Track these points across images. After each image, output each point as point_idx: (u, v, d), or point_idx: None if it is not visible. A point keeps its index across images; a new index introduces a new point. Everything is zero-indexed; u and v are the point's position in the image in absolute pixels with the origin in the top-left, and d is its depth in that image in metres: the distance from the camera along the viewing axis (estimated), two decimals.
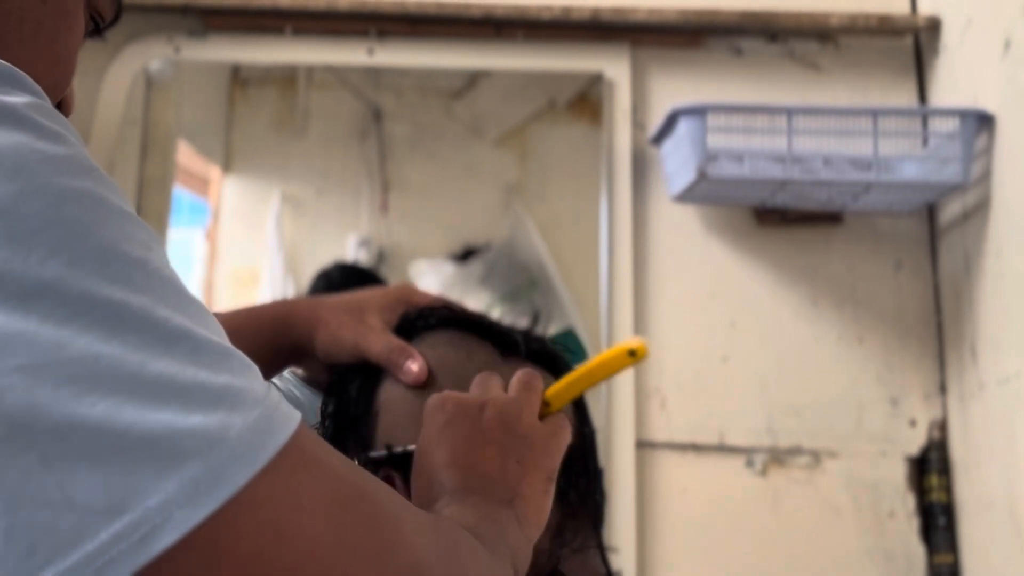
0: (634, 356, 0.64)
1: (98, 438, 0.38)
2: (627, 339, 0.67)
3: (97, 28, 0.61)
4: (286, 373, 0.80)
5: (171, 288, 0.43)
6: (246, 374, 0.43)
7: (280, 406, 0.43)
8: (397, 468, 0.66)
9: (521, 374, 0.68)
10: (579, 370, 0.68)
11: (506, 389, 0.67)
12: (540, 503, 0.63)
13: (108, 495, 0.37)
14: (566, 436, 0.66)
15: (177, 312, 0.42)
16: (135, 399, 0.38)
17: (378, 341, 0.73)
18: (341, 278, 1.81)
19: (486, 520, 0.58)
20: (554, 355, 0.75)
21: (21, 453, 0.37)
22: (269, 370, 0.78)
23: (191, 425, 0.39)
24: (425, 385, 0.70)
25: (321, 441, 0.46)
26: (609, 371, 0.66)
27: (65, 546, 0.37)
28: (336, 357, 0.76)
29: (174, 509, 0.38)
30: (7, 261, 0.38)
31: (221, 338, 0.44)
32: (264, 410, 0.42)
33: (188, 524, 0.38)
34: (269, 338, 0.77)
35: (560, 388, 0.67)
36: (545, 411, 0.67)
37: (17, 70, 0.43)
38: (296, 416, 0.44)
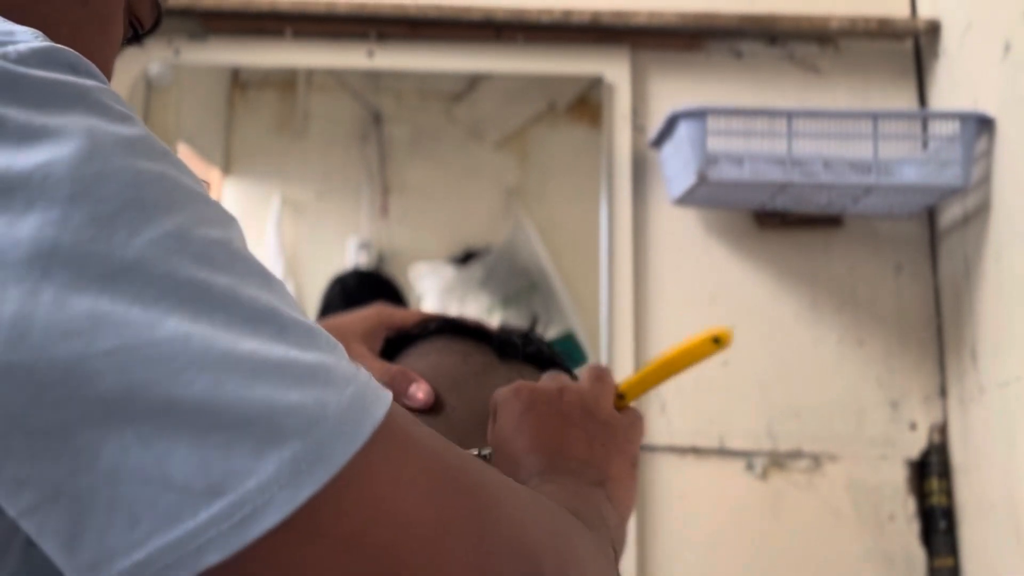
0: (718, 343, 0.62)
1: (196, 417, 0.37)
2: (711, 327, 0.64)
3: (136, 35, 0.60)
4: None
5: (253, 267, 0.43)
6: (335, 351, 0.43)
7: (371, 383, 0.43)
8: None
9: (591, 367, 0.68)
10: (657, 360, 0.67)
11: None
12: (629, 485, 0.63)
13: (208, 475, 0.37)
14: (643, 427, 0.67)
15: (262, 291, 0.41)
16: (230, 377, 0.38)
17: (373, 370, 0.72)
18: (357, 285, 1.81)
19: (581, 499, 0.57)
20: (552, 358, 0.75)
21: (117, 431, 0.37)
22: None
23: (289, 402, 0.39)
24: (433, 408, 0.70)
25: (414, 419, 0.45)
26: (692, 359, 0.65)
27: (166, 523, 0.37)
28: None
29: (275, 490, 0.37)
30: (90, 242, 0.38)
31: (303, 314, 0.44)
32: (357, 387, 0.41)
33: (290, 506, 0.38)
34: None
35: (635, 380, 0.67)
36: (619, 404, 0.66)
37: (83, 57, 0.43)
38: (388, 394, 0.43)
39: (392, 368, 0.71)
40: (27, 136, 0.39)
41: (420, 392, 0.69)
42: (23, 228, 0.37)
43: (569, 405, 0.63)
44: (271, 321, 0.41)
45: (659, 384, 0.68)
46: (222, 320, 0.39)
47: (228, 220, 0.44)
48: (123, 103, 0.43)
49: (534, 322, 0.78)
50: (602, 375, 0.67)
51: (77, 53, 0.43)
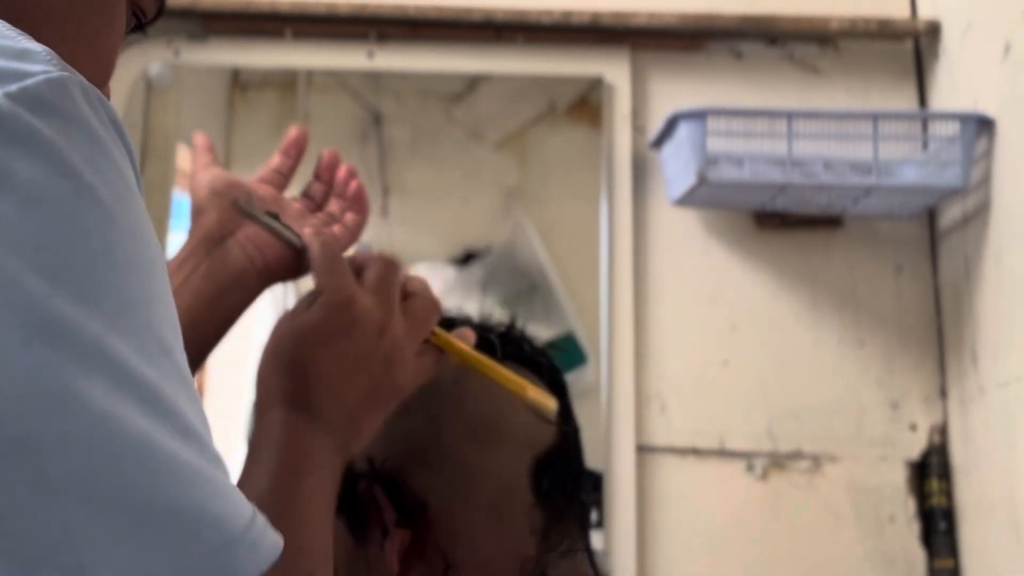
0: (532, 403, 0.64)
1: (125, 515, 0.38)
2: (542, 398, 0.65)
3: (139, 24, 0.60)
4: None
5: (187, 383, 0.43)
6: (233, 495, 0.44)
7: (265, 535, 0.43)
8: (378, 482, 0.65)
9: (425, 300, 0.64)
10: (485, 360, 0.65)
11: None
12: (366, 441, 0.60)
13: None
14: (428, 377, 0.63)
15: (189, 407, 0.42)
16: (169, 480, 0.39)
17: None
18: None
19: (312, 467, 0.56)
20: (533, 357, 0.73)
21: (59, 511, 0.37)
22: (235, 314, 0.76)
23: (217, 514, 0.40)
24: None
25: None
26: (503, 381, 0.64)
27: None
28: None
29: None
30: (73, 320, 0.38)
31: (214, 443, 0.44)
32: (260, 517, 0.43)
33: None
34: (232, 312, 0.75)
35: (453, 344, 0.64)
36: (428, 338, 0.63)
37: (83, 80, 0.42)
38: (277, 548, 0.44)
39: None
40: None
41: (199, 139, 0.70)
42: None
43: (380, 351, 0.59)
44: (196, 440, 0.41)
45: (465, 363, 0.65)
46: (167, 427, 0.40)
47: (178, 331, 0.44)
48: (102, 118, 0.43)
49: (512, 321, 0.76)
50: (429, 317, 0.64)
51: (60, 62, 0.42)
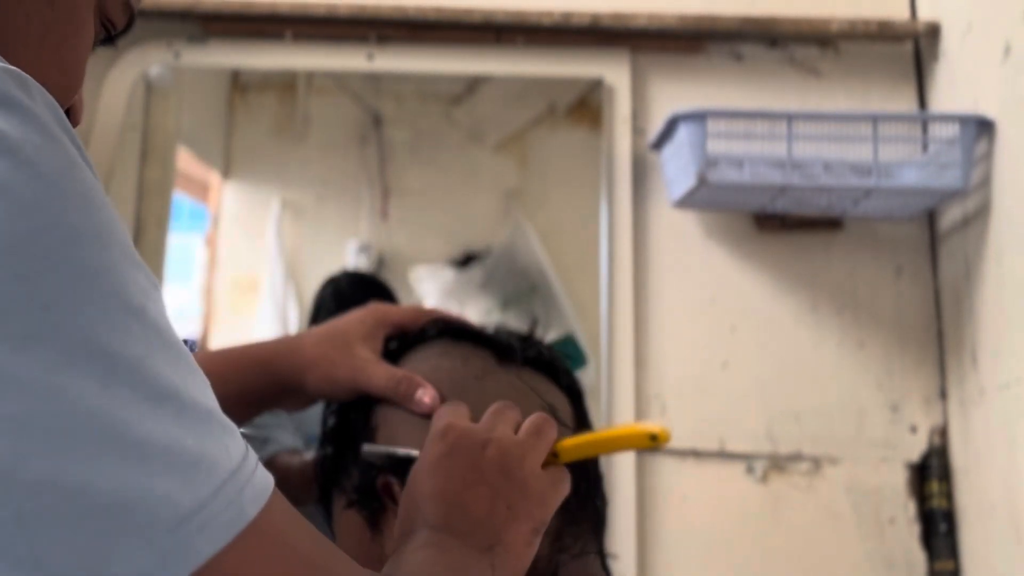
0: (655, 441, 0.63)
1: (73, 501, 0.38)
2: (651, 423, 0.65)
3: (109, 36, 0.60)
4: None
5: (165, 340, 0.43)
6: (224, 438, 0.43)
7: (254, 477, 0.43)
8: (396, 474, 0.65)
9: (536, 418, 0.66)
10: (598, 434, 0.66)
11: (520, 420, 0.66)
12: (522, 552, 0.61)
13: (79, 564, 0.38)
14: (565, 489, 0.64)
15: (168, 366, 0.42)
16: (115, 461, 0.38)
17: (378, 374, 0.72)
18: (349, 286, 1.80)
19: (457, 569, 0.57)
20: (551, 362, 0.74)
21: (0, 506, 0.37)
22: (253, 412, 0.78)
23: (164, 494, 0.39)
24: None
25: (292, 514, 0.47)
26: (627, 445, 0.65)
27: None
28: (333, 395, 0.75)
29: None
30: (13, 300, 0.38)
31: (205, 394, 0.44)
32: (236, 482, 0.42)
33: None
34: (252, 383, 0.76)
35: (572, 444, 0.65)
36: (551, 461, 0.65)
37: (25, 76, 0.43)
38: (268, 486, 0.44)
39: (398, 373, 0.71)
40: None
41: (426, 397, 0.69)
42: None
43: (489, 460, 0.62)
44: (171, 402, 0.41)
45: (594, 455, 0.67)
46: (125, 397, 0.39)
47: (149, 285, 0.44)
48: (63, 134, 0.42)
49: (534, 325, 0.78)
50: (542, 429, 0.65)
51: (20, 73, 0.42)
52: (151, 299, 0.43)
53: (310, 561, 0.46)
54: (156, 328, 0.42)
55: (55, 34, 0.53)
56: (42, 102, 0.42)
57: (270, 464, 0.71)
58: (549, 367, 0.74)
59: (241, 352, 0.78)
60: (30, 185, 0.39)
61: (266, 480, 0.44)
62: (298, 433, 1.04)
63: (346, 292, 1.75)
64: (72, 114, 0.58)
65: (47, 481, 0.37)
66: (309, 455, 0.89)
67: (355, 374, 0.73)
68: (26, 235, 0.39)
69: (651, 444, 0.63)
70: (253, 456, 0.45)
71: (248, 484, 0.43)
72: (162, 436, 0.40)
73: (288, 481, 0.76)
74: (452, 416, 0.65)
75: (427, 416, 0.68)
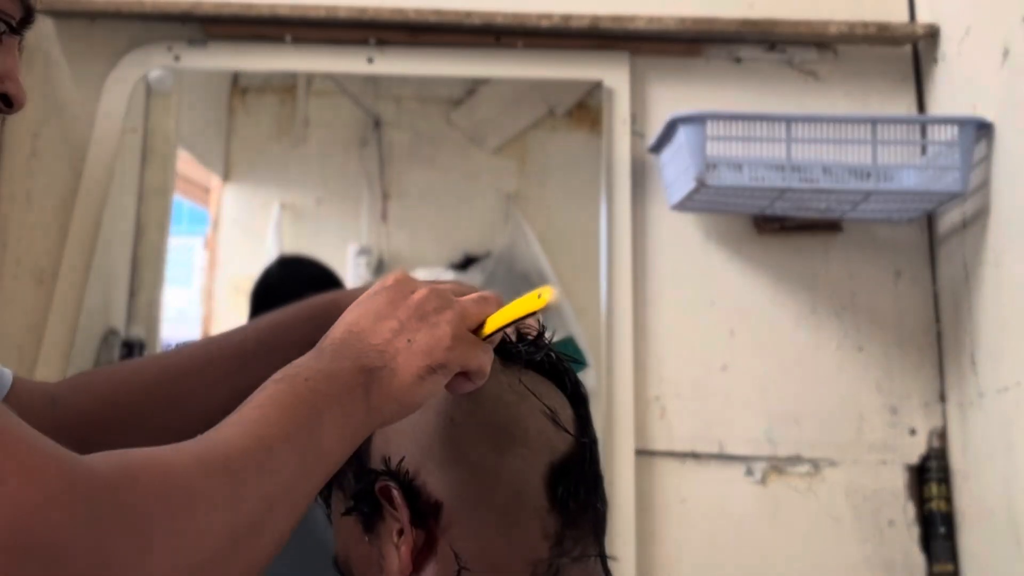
0: (541, 298, 0.64)
1: None
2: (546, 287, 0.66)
3: (11, 28, 0.60)
4: None
5: None
6: None
7: None
8: (395, 481, 0.65)
9: (485, 292, 0.67)
10: (505, 307, 0.67)
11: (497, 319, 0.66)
12: (409, 383, 0.60)
13: None
14: (480, 356, 0.64)
15: None
16: None
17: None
18: (277, 268, 1.78)
19: (325, 375, 0.57)
20: (556, 365, 0.74)
21: None
22: None
23: None
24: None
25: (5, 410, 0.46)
26: (524, 308, 0.65)
27: None
28: None
29: None
30: None
31: None
32: None
33: None
34: (305, 328, 0.77)
35: (492, 316, 0.66)
36: (478, 333, 0.65)
37: None
38: None
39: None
40: None
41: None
42: None
43: (410, 301, 0.63)
44: None
45: (505, 324, 0.66)
46: None
47: None
48: None
49: (542, 328, 0.77)
50: (486, 299, 0.66)
51: None
52: None
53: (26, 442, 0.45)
54: None
55: None
56: None
57: None
58: (552, 370, 0.73)
59: (308, 301, 0.82)
60: None
61: None
62: None
63: (274, 274, 1.73)
64: (11, 100, 0.60)
65: None
66: None
67: None
68: None
69: (539, 302, 0.64)
70: None
71: None
72: None
73: None
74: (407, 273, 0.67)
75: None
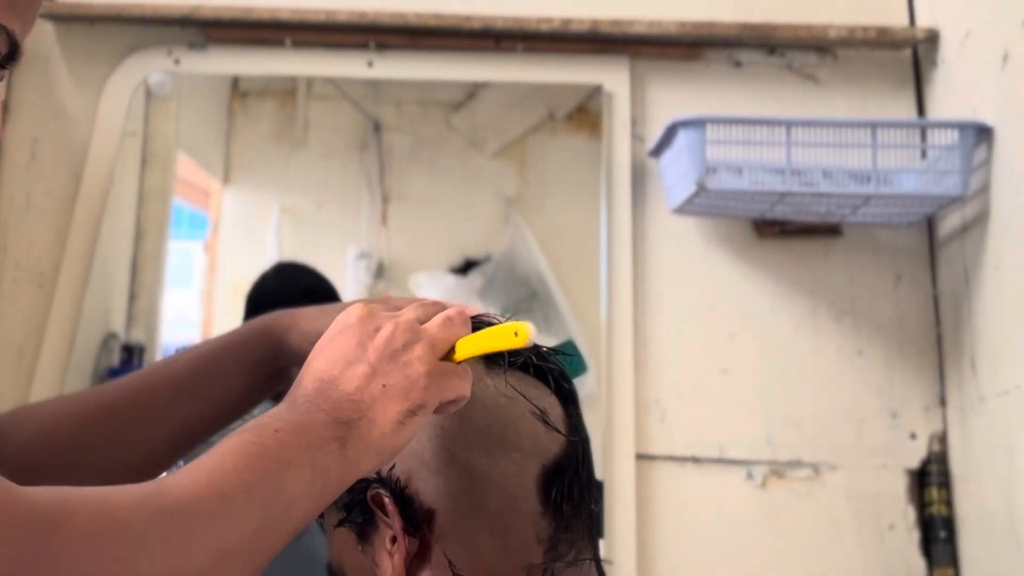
0: (517, 337, 0.62)
1: None
2: (521, 322, 0.64)
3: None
4: None
5: None
6: None
7: None
8: (387, 489, 0.65)
9: (451, 310, 0.65)
10: (480, 332, 0.65)
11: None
12: (389, 431, 0.59)
13: None
14: (457, 385, 0.62)
15: None
16: None
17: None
18: (272, 274, 1.77)
19: (296, 427, 0.56)
20: (541, 368, 0.73)
21: None
22: (260, 382, 0.78)
23: None
24: None
25: None
26: (499, 342, 0.63)
27: None
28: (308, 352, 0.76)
29: None
30: None
31: None
32: None
33: None
34: (252, 349, 0.77)
35: (464, 341, 0.64)
36: (449, 357, 0.64)
37: None
38: None
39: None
40: None
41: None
42: None
43: (378, 341, 0.61)
44: None
45: (478, 352, 0.65)
46: None
47: None
48: None
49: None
50: (451, 321, 0.64)
51: None
52: None
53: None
54: None
55: None
56: None
57: None
58: (539, 373, 0.72)
59: (246, 324, 0.81)
60: None
61: None
62: None
63: (269, 280, 1.72)
64: None
65: None
66: None
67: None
68: None
69: (515, 341, 0.62)
70: None
71: None
72: None
73: None
74: (368, 303, 0.65)
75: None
